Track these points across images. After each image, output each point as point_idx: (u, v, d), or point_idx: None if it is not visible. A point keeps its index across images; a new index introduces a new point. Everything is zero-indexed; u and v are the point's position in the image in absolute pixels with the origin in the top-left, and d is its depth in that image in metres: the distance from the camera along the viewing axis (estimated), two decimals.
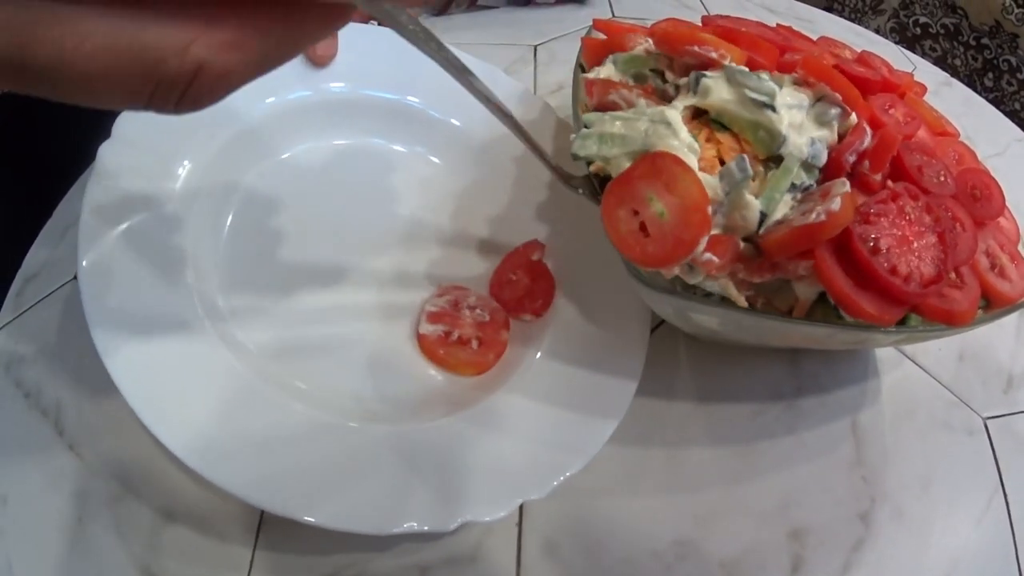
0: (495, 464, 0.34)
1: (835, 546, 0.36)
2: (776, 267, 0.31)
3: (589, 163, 0.35)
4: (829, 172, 0.33)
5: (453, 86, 0.47)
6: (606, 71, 0.38)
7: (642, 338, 0.37)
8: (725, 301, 0.31)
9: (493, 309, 0.40)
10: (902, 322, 0.33)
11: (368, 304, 0.41)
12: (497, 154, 0.46)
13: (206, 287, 0.39)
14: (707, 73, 0.35)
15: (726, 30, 0.38)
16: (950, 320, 0.33)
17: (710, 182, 0.31)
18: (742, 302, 0.31)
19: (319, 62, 0.44)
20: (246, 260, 0.41)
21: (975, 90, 0.58)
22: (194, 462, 0.32)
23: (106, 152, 0.39)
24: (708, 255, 0.29)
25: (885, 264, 0.31)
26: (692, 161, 0.32)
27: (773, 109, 0.33)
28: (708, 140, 0.34)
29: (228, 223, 0.42)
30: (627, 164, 0.33)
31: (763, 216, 0.31)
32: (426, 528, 0.31)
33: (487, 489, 0.32)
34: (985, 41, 0.70)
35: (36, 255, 0.47)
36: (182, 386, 0.35)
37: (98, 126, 0.52)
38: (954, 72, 0.58)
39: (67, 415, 0.41)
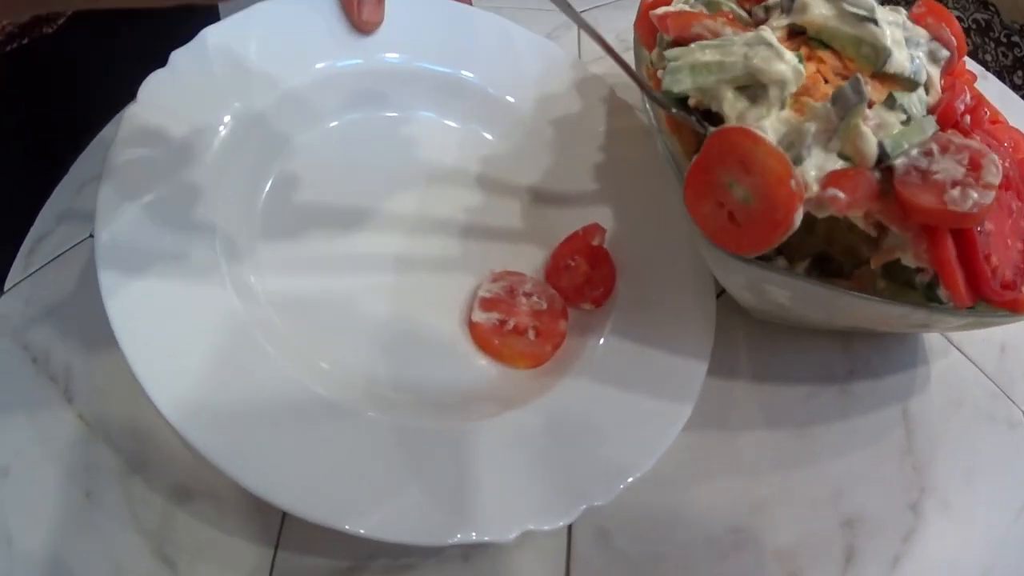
0: (555, 465, 0.31)
1: (886, 537, 0.35)
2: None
3: (684, 99, 0.34)
4: (940, 119, 0.33)
5: (509, 61, 0.46)
6: (677, 5, 0.37)
7: (709, 319, 0.36)
8: (807, 273, 0.29)
9: (550, 296, 0.38)
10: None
11: (411, 287, 0.38)
12: (553, 133, 0.44)
13: (239, 258, 0.36)
14: None
15: None
16: (1015, 307, 0.32)
17: (818, 110, 0.30)
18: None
19: (363, 28, 0.42)
20: (283, 227, 0.38)
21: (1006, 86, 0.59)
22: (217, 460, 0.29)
23: (137, 111, 0.37)
24: (833, 191, 0.28)
25: (984, 252, 0.30)
26: (790, 86, 0.31)
27: (875, 23, 0.32)
28: (809, 59, 0.32)
29: (267, 187, 0.39)
30: (729, 94, 0.32)
31: (883, 152, 0.29)
32: (486, 538, 0.28)
33: (547, 494, 0.30)
34: (1016, 39, 0.71)
35: (48, 214, 0.45)
36: (189, 347, 0.32)
37: (116, 85, 0.49)
38: (985, 67, 0.58)
39: (77, 382, 0.38)
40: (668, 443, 0.32)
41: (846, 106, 0.30)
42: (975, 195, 0.28)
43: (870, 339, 0.40)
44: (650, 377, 0.35)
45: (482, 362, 0.36)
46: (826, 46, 0.33)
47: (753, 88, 0.32)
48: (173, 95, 0.37)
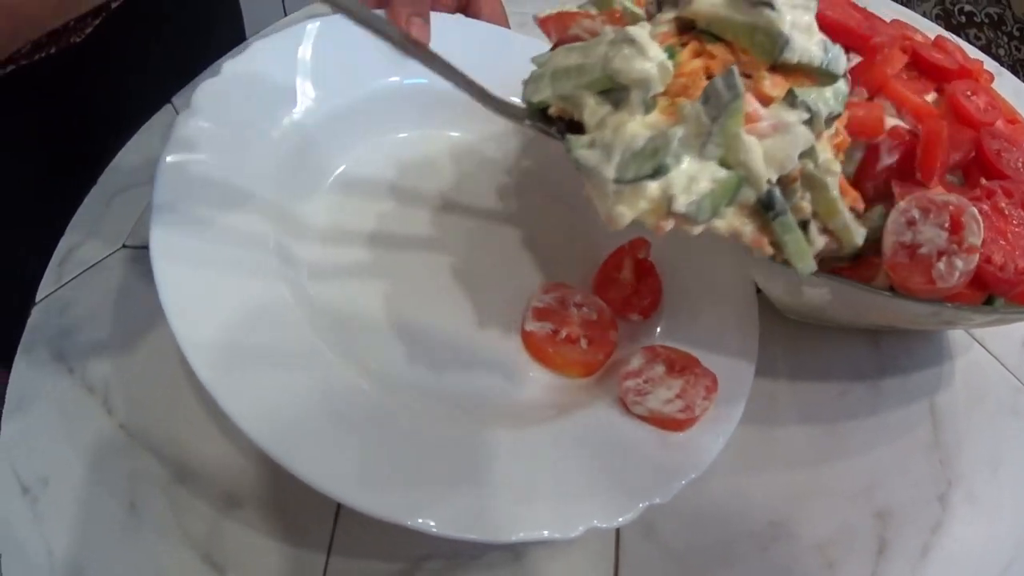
0: (614, 466, 0.32)
1: (916, 528, 0.36)
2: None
3: (545, 109, 0.30)
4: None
5: None
6: (567, 5, 0.34)
7: (752, 323, 0.37)
8: (844, 275, 0.30)
9: (600, 308, 0.39)
10: (988, 303, 0.34)
11: (465, 297, 0.39)
12: None
13: (294, 264, 0.37)
14: None
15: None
16: None
17: (687, 111, 0.27)
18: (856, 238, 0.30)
19: None
20: (337, 237, 0.40)
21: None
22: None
23: (186, 121, 0.37)
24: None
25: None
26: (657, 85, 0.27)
27: (770, 6, 0.28)
28: (698, 54, 0.29)
29: (320, 198, 0.40)
30: (591, 100, 0.28)
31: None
32: (549, 535, 0.29)
33: (608, 493, 0.31)
34: None
35: (79, 225, 0.44)
36: (256, 353, 0.32)
37: (142, 95, 0.50)
38: (999, 62, 0.59)
39: (117, 392, 0.38)
40: (722, 443, 0.33)
41: (719, 105, 0.26)
42: (960, 264, 0.30)
43: (898, 337, 0.41)
44: None
45: (535, 371, 0.37)
46: (719, 39, 0.29)
47: (616, 91, 0.28)
48: (224, 103, 0.38)
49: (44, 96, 0.49)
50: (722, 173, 0.27)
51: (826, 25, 0.37)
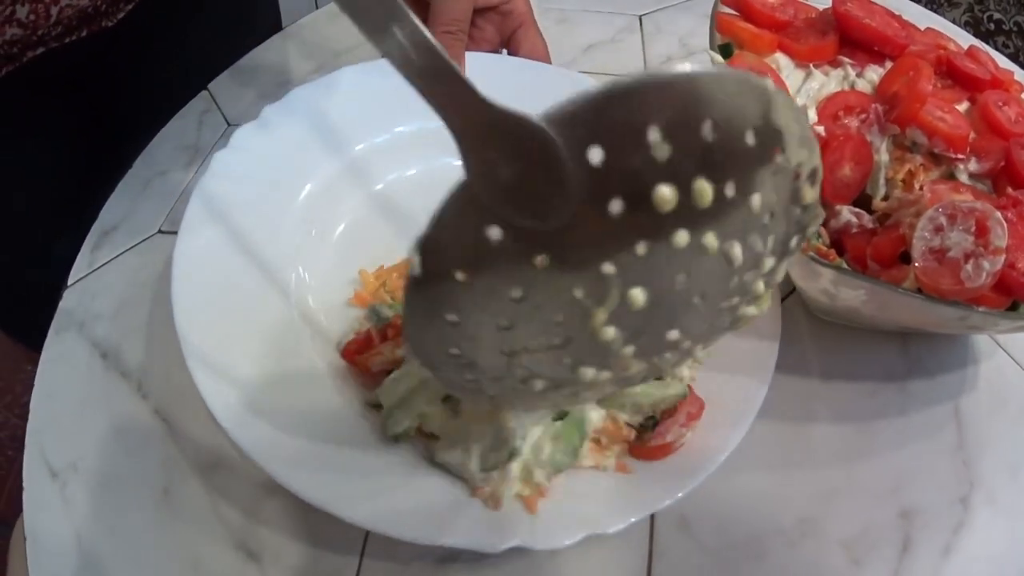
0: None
1: (939, 528, 0.37)
2: None
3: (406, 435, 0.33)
4: None
5: None
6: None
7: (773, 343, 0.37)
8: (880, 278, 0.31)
9: None
10: (1013, 308, 0.34)
11: None
12: None
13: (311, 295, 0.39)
14: None
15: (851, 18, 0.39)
16: None
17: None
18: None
19: None
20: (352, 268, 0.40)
21: None
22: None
23: (225, 154, 0.40)
24: None
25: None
26: None
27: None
28: None
29: (339, 230, 0.42)
30: (436, 410, 0.31)
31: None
32: (541, 546, 0.30)
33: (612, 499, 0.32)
34: None
35: (113, 209, 0.44)
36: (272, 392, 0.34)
37: (175, 80, 0.50)
38: None
39: (151, 378, 0.39)
40: (745, 429, 0.33)
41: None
42: (987, 265, 0.31)
43: (925, 340, 0.41)
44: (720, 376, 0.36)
45: None
46: None
47: (453, 398, 0.32)
48: (260, 143, 0.40)
49: (77, 81, 0.49)
50: (558, 425, 0.30)
51: (865, 33, 0.38)
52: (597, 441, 0.32)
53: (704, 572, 0.34)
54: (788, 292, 0.41)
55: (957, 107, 0.39)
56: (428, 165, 0.43)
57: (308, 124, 0.41)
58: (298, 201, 0.40)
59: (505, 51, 0.48)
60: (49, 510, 0.35)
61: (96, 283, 0.42)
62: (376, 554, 0.34)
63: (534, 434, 0.30)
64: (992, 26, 0.81)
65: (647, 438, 0.32)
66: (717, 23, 0.39)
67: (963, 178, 0.38)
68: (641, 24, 0.61)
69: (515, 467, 0.30)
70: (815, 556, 0.35)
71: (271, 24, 0.60)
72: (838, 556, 0.35)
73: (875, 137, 0.39)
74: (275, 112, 0.41)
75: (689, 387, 0.34)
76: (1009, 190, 0.38)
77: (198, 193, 0.38)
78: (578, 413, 0.31)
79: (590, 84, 0.47)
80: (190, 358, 0.33)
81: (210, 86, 0.50)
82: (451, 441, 0.31)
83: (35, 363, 0.40)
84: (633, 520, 0.30)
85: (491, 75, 0.44)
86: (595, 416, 0.31)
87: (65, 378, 0.39)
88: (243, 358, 0.34)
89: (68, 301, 0.42)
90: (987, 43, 0.48)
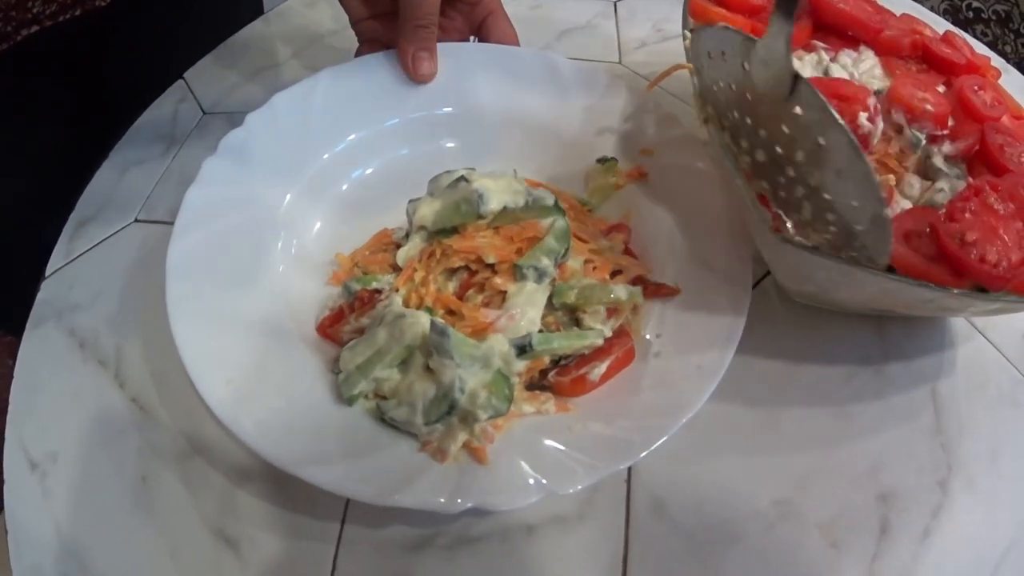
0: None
1: (917, 512, 0.37)
2: None
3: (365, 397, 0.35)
4: None
5: (556, 93, 0.49)
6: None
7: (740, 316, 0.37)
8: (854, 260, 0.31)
9: None
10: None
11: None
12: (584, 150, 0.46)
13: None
14: None
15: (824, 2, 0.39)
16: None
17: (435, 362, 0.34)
18: None
19: (421, 80, 0.45)
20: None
21: None
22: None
23: (215, 160, 0.41)
24: None
25: (974, 254, 0.33)
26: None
27: (465, 180, 0.37)
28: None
29: (316, 228, 0.43)
30: (397, 375, 0.34)
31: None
32: (504, 507, 0.31)
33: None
34: None
35: (90, 198, 0.44)
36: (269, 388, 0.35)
37: (162, 66, 0.49)
38: (1005, 59, 0.60)
39: (128, 366, 0.39)
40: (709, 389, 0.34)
41: (442, 348, 0.33)
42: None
43: (902, 324, 0.41)
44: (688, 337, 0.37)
45: None
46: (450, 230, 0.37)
47: (407, 360, 0.35)
48: (246, 149, 0.41)
49: (68, 63, 0.48)
50: (487, 375, 0.33)
51: (839, 17, 0.38)
52: (531, 390, 0.35)
53: (680, 555, 0.34)
54: (763, 275, 0.41)
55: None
56: (383, 161, 0.45)
57: (286, 131, 0.43)
58: (281, 205, 0.41)
59: (475, 39, 0.48)
60: (29, 501, 0.35)
61: (73, 273, 0.42)
62: (353, 538, 0.34)
63: (470, 385, 0.33)
64: (971, 14, 0.82)
65: (567, 376, 0.35)
66: (691, 8, 0.39)
67: (938, 161, 0.38)
68: (616, 9, 0.61)
69: (456, 420, 0.33)
70: (792, 539, 0.35)
71: (255, 11, 0.60)
72: (815, 539, 0.35)
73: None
74: (258, 120, 0.42)
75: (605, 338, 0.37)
76: (970, 179, 0.38)
77: (186, 205, 0.39)
78: (504, 368, 0.34)
79: (562, 62, 0.47)
80: (178, 336, 0.34)
81: (186, 75, 0.50)
82: (400, 399, 0.34)
83: (14, 354, 0.40)
84: (588, 483, 0.31)
85: (466, 62, 0.45)
86: (519, 365, 0.34)
87: (44, 369, 0.39)
88: (232, 343, 0.35)
89: (46, 292, 0.42)
90: (966, 31, 0.48)
